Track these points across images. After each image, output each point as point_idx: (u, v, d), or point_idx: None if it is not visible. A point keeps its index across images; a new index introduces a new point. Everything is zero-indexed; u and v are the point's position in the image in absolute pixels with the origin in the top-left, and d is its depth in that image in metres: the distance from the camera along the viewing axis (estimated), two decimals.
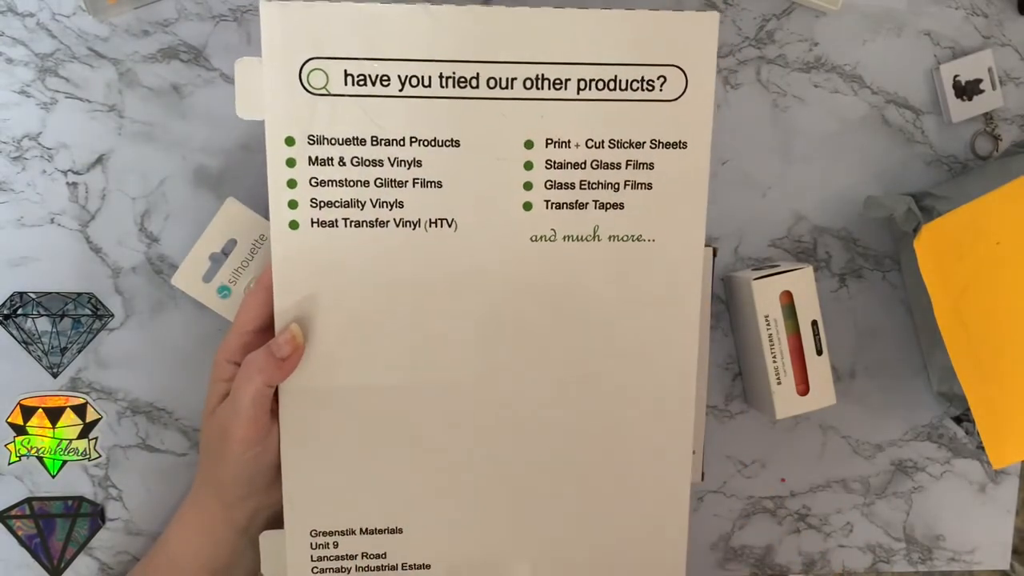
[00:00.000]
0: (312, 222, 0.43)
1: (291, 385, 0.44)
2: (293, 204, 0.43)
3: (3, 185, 0.50)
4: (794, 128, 0.56)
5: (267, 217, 0.50)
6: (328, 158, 0.43)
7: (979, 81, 0.56)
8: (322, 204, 0.43)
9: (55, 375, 0.52)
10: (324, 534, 0.46)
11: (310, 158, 0.42)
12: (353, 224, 0.43)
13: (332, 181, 0.43)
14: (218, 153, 0.52)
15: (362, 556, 0.46)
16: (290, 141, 0.42)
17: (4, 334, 0.51)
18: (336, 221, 0.43)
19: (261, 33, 0.41)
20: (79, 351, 0.52)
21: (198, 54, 0.51)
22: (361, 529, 0.46)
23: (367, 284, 0.44)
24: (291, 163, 0.42)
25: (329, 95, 0.42)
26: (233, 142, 0.52)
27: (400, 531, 0.47)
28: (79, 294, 0.51)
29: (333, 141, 0.42)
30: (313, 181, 0.43)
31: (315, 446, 0.45)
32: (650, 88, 0.43)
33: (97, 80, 0.51)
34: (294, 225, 0.43)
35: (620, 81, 0.43)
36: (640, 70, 0.43)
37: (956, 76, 0.56)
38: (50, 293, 0.51)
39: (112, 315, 0.52)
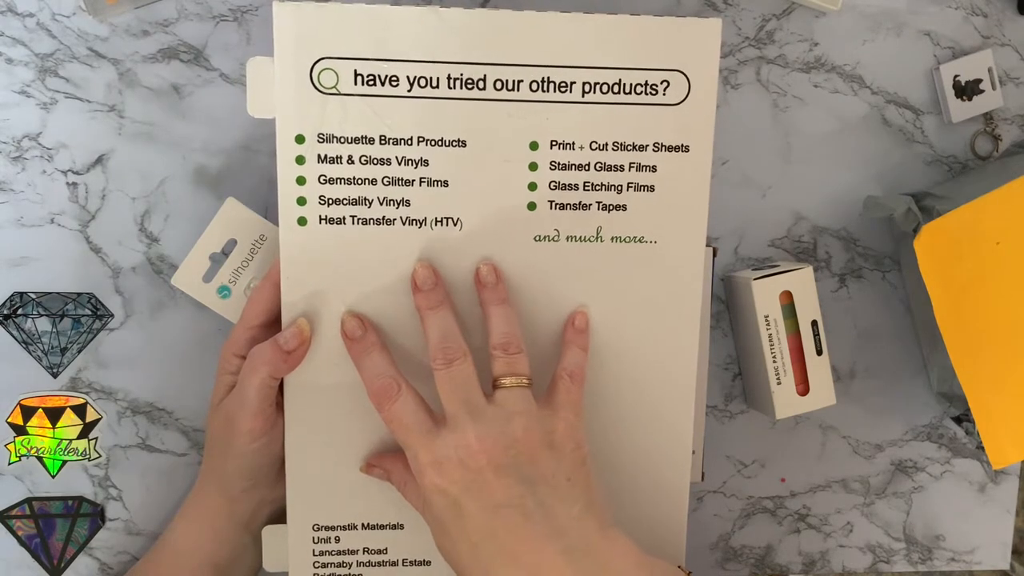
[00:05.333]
0: (320, 219, 0.44)
1: (296, 379, 0.46)
2: (302, 201, 0.44)
3: (3, 185, 0.51)
4: (794, 128, 0.56)
5: (267, 217, 0.51)
6: (337, 156, 0.44)
7: (979, 81, 0.57)
8: (330, 201, 0.44)
9: (55, 375, 0.52)
10: (326, 528, 0.47)
11: (319, 156, 0.44)
12: (360, 222, 0.45)
13: (341, 179, 0.44)
14: (218, 153, 0.52)
15: (363, 551, 0.47)
16: (300, 139, 0.44)
17: (4, 334, 0.51)
18: (344, 218, 0.44)
19: (273, 33, 0.43)
20: (79, 351, 0.52)
21: (198, 54, 0.51)
22: (363, 524, 0.47)
23: (373, 281, 0.45)
24: (300, 161, 0.44)
25: (339, 94, 0.43)
26: (233, 142, 0.52)
27: (401, 527, 0.47)
28: (79, 294, 0.52)
29: (342, 139, 0.44)
30: (322, 179, 0.44)
31: (319, 441, 0.46)
32: (653, 92, 0.45)
33: (97, 80, 0.51)
34: (302, 221, 0.44)
35: (624, 85, 0.45)
36: (644, 74, 0.45)
37: (956, 76, 0.57)
38: (50, 293, 0.51)
39: (112, 315, 0.52)
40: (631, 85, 0.44)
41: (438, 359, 0.42)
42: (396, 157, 0.44)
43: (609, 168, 0.45)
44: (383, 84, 0.43)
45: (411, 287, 0.45)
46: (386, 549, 0.48)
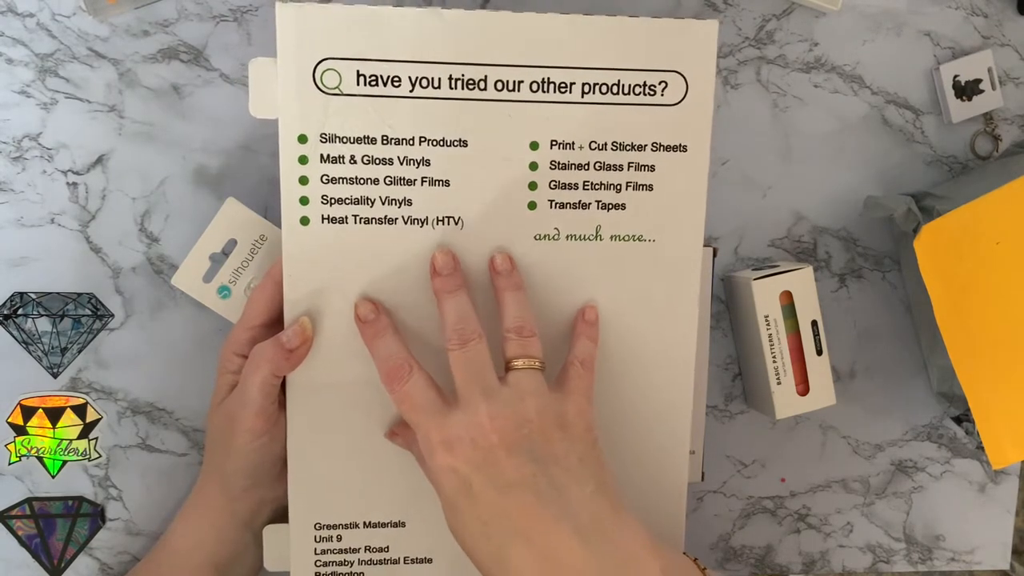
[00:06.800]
0: (323, 218, 0.45)
1: (298, 378, 0.46)
2: (304, 200, 0.45)
3: (3, 185, 0.51)
4: (794, 128, 0.57)
5: (267, 217, 0.51)
6: (339, 156, 0.44)
7: (979, 81, 0.57)
8: (333, 201, 0.45)
9: (55, 375, 0.52)
10: (328, 527, 0.47)
11: (322, 156, 0.44)
12: (363, 221, 0.45)
13: (343, 179, 0.45)
14: (218, 153, 0.52)
15: (365, 549, 0.48)
16: (303, 139, 0.44)
17: (4, 334, 0.51)
18: (346, 218, 0.45)
19: (276, 34, 0.43)
20: (79, 351, 0.52)
21: (198, 54, 0.51)
22: (365, 522, 0.48)
23: (375, 280, 0.46)
24: (303, 160, 0.44)
25: (342, 95, 0.44)
26: (233, 142, 0.52)
27: (403, 525, 0.48)
28: (79, 294, 0.52)
29: (345, 139, 0.44)
30: (324, 178, 0.45)
31: (321, 439, 0.47)
32: (652, 93, 0.45)
33: (97, 80, 0.51)
34: (305, 221, 0.45)
35: (623, 85, 0.45)
36: (642, 75, 0.45)
37: (956, 76, 0.57)
38: (50, 293, 0.51)
39: (112, 315, 0.52)
40: (630, 86, 0.45)
41: (453, 340, 0.43)
42: (398, 157, 0.44)
43: (608, 168, 0.46)
44: (385, 85, 0.44)
45: (429, 272, 0.45)
46: (388, 547, 0.48)
